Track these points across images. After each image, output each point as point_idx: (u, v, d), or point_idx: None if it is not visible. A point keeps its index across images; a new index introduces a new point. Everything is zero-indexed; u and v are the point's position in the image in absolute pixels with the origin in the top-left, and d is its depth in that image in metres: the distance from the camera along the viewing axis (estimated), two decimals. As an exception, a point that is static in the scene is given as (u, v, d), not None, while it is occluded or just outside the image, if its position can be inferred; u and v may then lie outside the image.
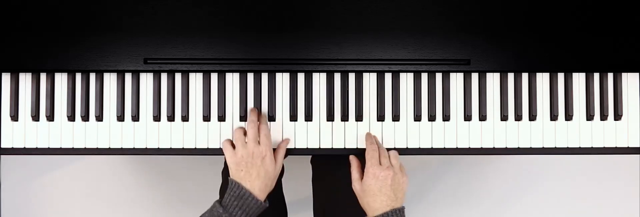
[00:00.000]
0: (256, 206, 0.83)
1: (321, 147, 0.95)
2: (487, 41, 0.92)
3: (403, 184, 0.87)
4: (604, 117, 0.96)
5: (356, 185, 0.88)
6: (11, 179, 1.62)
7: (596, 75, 0.97)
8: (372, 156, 0.87)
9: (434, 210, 1.64)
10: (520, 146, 0.96)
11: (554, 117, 0.96)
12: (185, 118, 0.95)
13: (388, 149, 0.94)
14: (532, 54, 0.93)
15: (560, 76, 0.97)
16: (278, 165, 0.89)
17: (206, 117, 0.95)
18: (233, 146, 0.88)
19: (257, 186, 0.84)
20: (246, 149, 0.85)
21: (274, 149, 0.92)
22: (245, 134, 0.89)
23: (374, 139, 0.93)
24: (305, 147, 0.95)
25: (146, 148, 0.94)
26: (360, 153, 0.93)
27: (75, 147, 0.95)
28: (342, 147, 0.95)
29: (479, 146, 0.95)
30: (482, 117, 0.95)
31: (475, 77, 0.96)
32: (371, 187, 0.84)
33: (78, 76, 0.95)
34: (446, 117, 0.95)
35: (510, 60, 0.93)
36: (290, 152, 0.95)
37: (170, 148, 0.95)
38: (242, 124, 0.95)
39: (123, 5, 0.92)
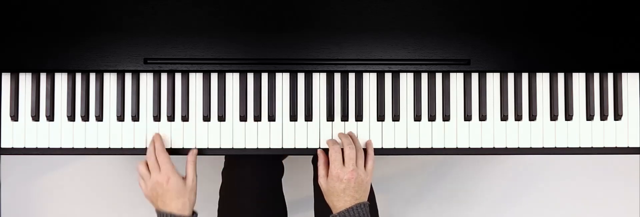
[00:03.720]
0: None
1: (321, 147, 0.95)
2: (487, 41, 0.92)
3: (366, 184, 0.89)
4: (604, 117, 0.96)
5: (322, 181, 0.90)
6: (11, 179, 1.62)
7: (596, 75, 0.97)
8: (335, 159, 0.88)
9: (434, 210, 1.63)
10: (520, 146, 0.96)
11: (554, 117, 0.96)
12: (185, 118, 0.95)
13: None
14: (532, 54, 0.93)
15: (560, 76, 0.97)
16: (189, 178, 0.90)
17: (206, 117, 0.95)
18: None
19: (175, 206, 0.87)
20: (151, 180, 0.89)
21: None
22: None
23: (351, 137, 0.93)
24: (306, 147, 0.95)
25: (146, 148, 0.94)
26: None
27: (75, 147, 0.95)
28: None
29: (479, 146, 0.95)
30: (482, 117, 0.95)
31: (475, 77, 0.96)
32: (335, 188, 0.87)
33: (78, 76, 0.95)
34: (446, 117, 0.95)
35: (510, 60, 0.93)
36: (290, 152, 0.95)
37: (170, 148, 0.95)
38: (242, 124, 0.95)
39: (123, 5, 0.92)
